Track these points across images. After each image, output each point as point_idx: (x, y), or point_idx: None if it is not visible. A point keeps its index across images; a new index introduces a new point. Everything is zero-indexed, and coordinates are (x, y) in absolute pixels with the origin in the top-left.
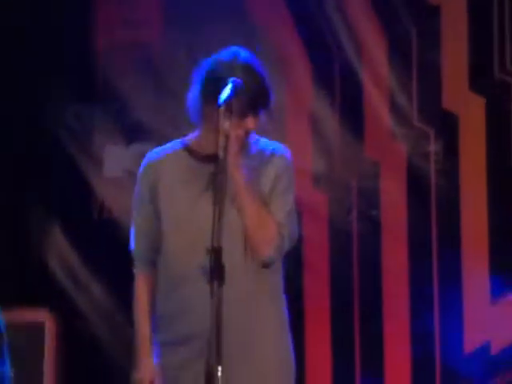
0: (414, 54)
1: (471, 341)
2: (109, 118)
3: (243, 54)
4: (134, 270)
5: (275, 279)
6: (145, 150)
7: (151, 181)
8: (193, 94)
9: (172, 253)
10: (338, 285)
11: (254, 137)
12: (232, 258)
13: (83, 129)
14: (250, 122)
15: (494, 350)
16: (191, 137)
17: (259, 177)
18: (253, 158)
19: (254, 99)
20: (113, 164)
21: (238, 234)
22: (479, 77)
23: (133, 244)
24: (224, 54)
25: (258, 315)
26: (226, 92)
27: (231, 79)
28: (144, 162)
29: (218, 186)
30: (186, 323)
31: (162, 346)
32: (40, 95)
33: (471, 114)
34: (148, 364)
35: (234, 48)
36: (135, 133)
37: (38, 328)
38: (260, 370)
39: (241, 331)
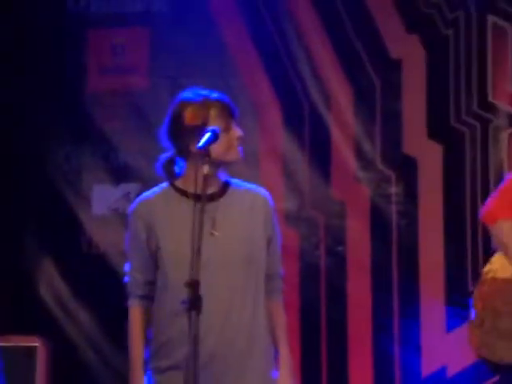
0: (378, 103)
1: (428, 366)
2: (97, 159)
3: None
4: (129, 303)
5: (264, 313)
6: (131, 189)
7: (146, 221)
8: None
9: (171, 288)
10: (307, 314)
11: (232, 179)
12: (232, 293)
13: (73, 169)
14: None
15: (450, 374)
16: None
17: (248, 217)
18: (238, 198)
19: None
20: (100, 203)
21: (238, 268)
22: (437, 125)
23: (128, 278)
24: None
25: (256, 349)
26: (204, 138)
27: (210, 128)
28: (135, 204)
29: (197, 222)
30: (185, 350)
31: (161, 372)
32: (33, 137)
33: (429, 160)
34: None
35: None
36: (122, 173)
37: (30, 353)
38: None
39: (237, 362)
